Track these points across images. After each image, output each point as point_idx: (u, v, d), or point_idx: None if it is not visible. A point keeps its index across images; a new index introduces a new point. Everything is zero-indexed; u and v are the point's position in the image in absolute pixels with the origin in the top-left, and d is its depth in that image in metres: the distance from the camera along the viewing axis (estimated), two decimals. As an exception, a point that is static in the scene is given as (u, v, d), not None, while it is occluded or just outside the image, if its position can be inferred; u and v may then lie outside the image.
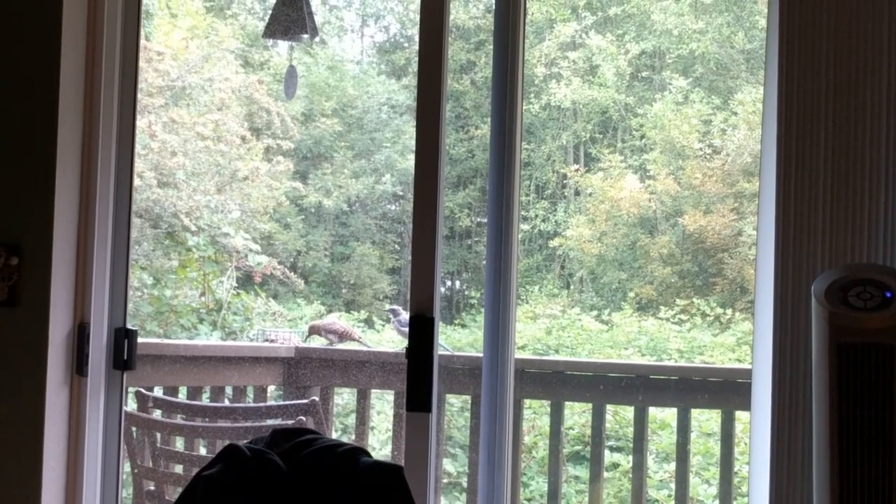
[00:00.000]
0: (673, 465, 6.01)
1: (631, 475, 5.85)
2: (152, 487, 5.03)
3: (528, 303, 10.97)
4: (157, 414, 5.15)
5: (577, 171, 11.65)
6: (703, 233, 10.59)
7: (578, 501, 7.57)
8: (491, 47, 3.32)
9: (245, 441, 2.14)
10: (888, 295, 2.46)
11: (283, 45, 11.39)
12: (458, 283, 12.49)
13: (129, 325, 3.37)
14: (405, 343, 3.10)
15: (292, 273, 10.27)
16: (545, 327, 10.34)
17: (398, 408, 5.96)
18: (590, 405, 5.86)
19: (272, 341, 7.98)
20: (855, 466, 2.46)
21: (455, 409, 7.42)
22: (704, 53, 11.34)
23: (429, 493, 3.06)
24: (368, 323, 10.77)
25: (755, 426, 2.95)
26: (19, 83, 3.20)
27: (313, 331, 7.09)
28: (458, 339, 10.31)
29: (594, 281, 11.45)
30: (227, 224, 9.61)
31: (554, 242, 11.49)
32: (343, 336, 6.95)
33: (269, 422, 5.00)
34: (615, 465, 7.46)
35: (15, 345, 3.17)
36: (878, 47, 2.70)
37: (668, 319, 10.10)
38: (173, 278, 9.28)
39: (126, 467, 4.84)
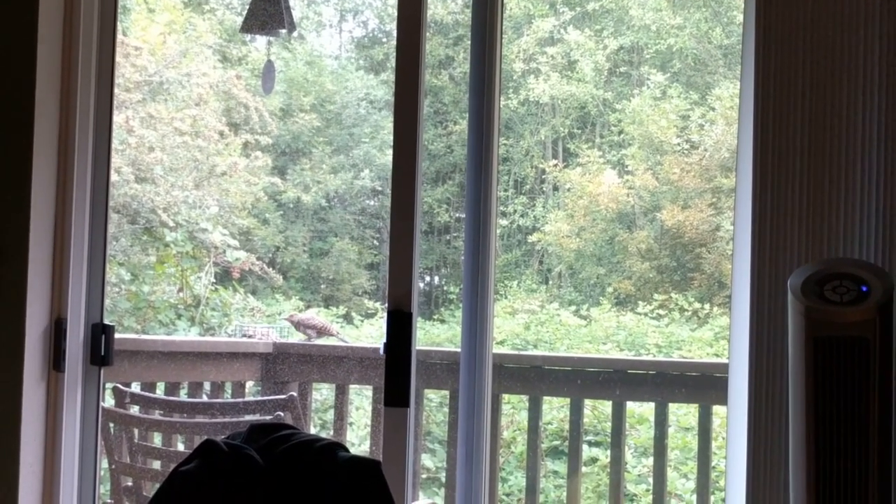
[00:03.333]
0: (651, 460, 6.01)
1: (609, 470, 5.87)
2: (130, 483, 5.02)
3: (506, 298, 10.97)
4: (134, 409, 5.13)
5: (555, 166, 11.65)
6: (681, 228, 10.61)
7: (557, 496, 7.58)
8: (469, 42, 3.32)
9: (222, 436, 2.14)
10: (864, 289, 2.48)
11: (261, 40, 11.35)
12: (436, 278, 12.48)
13: (106, 321, 3.36)
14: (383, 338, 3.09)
15: (271, 269, 10.24)
16: (523, 322, 10.34)
17: (377, 403, 5.96)
18: (568, 400, 5.87)
19: (250, 337, 7.98)
20: (832, 460, 2.47)
21: (433, 405, 7.42)
22: (682, 49, 11.35)
23: (407, 488, 3.07)
24: (347, 318, 10.76)
25: (732, 420, 2.96)
26: (-5, 78, 3.19)
27: (293, 322, 7.11)
28: (437, 335, 10.31)
29: (573, 276, 11.46)
30: (205, 219, 9.58)
31: (532, 238, 11.49)
32: (321, 331, 6.96)
33: (247, 417, 4.99)
34: (593, 460, 7.47)
35: (-9, 340, 3.16)
36: (854, 43, 2.71)
37: (646, 314, 10.12)
38: (151, 274, 9.25)
39: (103, 463, 4.83)
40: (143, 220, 9.31)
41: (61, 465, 3.27)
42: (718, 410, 5.41)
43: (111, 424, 4.98)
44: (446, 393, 6.06)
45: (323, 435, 4.11)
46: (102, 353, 3.35)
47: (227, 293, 9.49)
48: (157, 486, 3.41)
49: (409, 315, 3.04)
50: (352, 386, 6.26)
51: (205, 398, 5.95)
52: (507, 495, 7.50)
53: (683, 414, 7.41)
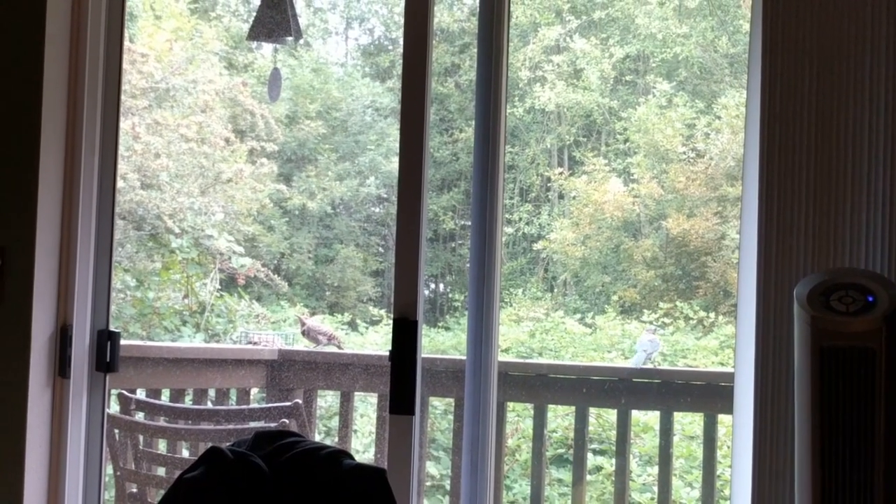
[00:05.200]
0: (656, 469, 6.01)
1: (614, 478, 5.85)
2: (135, 490, 5.02)
3: (511, 306, 10.97)
4: (139, 416, 5.14)
5: (561, 174, 11.65)
6: (687, 236, 10.60)
7: (561, 504, 7.58)
8: (475, 50, 3.32)
9: (228, 444, 2.14)
10: (870, 299, 2.47)
11: (267, 48, 11.39)
12: (441, 285, 12.49)
13: (111, 327, 3.36)
14: (388, 345, 3.09)
15: (276, 275, 10.26)
16: (529, 330, 10.34)
17: (381, 410, 5.96)
18: (573, 408, 5.87)
19: (255, 343, 7.98)
20: (837, 470, 2.47)
21: (438, 412, 7.41)
22: (688, 57, 11.36)
23: (412, 496, 3.06)
24: (352, 325, 10.76)
25: (737, 429, 2.96)
26: (2, 84, 3.19)
27: (305, 327, 7.12)
28: (442, 342, 10.31)
29: (578, 284, 11.46)
30: (210, 226, 9.59)
31: (538, 245, 11.49)
32: (331, 338, 6.98)
33: (252, 424, 4.99)
34: (598, 468, 7.46)
35: (-3, 346, 3.16)
36: (860, 52, 2.71)
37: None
38: (156, 280, 9.26)
39: (108, 469, 4.83)
40: (148, 227, 9.33)
41: (66, 471, 3.27)
42: (724, 419, 5.40)
43: (116, 431, 4.98)
44: (451, 400, 6.05)
45: (327, 442, 4.11)
46: (108, 360, 3.35)
47: (232, 300, 9.50)
48: (162, 492, 3.41)
49: (414, 323, 3.03)
50: (357, 393, 6.26)
51: (210, 405, 5.95)
52: (512, 503, 7.49)
53: (689, 423, 7.41)
